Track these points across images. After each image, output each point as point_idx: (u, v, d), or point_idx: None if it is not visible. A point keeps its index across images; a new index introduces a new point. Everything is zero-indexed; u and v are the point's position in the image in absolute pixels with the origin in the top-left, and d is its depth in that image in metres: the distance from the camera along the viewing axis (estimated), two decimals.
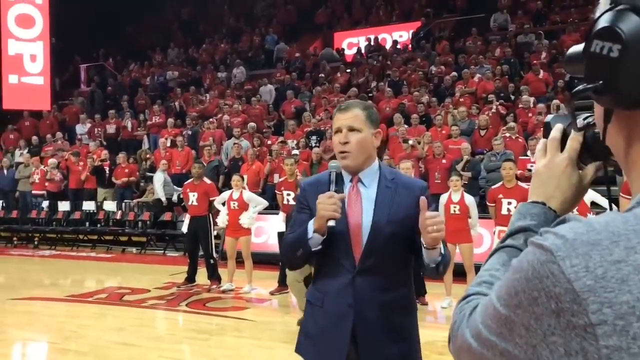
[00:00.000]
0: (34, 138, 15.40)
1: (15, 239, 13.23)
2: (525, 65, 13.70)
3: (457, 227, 6.36)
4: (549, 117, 0.97)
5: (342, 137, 2.07)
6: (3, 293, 7.75)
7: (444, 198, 6.65)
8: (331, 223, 1.96)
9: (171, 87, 17.59)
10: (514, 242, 0.91)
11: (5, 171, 14.01)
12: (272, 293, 7.36)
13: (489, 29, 16.03)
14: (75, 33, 20.48)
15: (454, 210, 6.50)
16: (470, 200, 6.56)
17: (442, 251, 1.97)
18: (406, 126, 11.41)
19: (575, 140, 0.90)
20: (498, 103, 11.72)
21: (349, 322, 2.03)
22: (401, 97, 13.17)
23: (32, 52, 16.61)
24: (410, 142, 10.50)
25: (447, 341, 0.86)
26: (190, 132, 13.85)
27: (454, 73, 13.67)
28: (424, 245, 1.94)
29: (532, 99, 11.41)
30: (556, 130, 0.93)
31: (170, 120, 14.26)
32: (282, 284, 7.15)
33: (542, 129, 1.01)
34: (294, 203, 7.41)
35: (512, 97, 12.33)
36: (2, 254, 11.91)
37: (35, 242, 12.79)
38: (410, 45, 17.02)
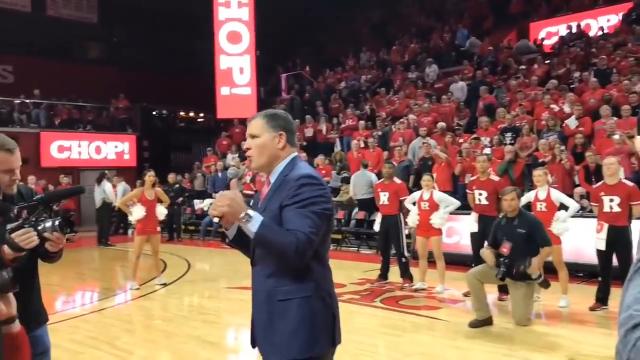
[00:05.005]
0: (244, 143, 16.94)
1: None
2: None
3: None
4: None
5: (245, 144, 2.39)
6: (219, 282, 8.74)
7: None
8: (215, 220, 2.23)
9: (363, 90, 18.13)
10: None
11: (219, 174, 15.67)
12: (465, 294, 7.21)
13: None
14: (275, 45, 22.19)
15: None
16: None
17: (254, 229, 2.07)
18: (615, 118, 10.36)
19: None
20: None
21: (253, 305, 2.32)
22: (609, 87, 12.00)
23: (240, 65, 18.39)
24: (616, 136, 9.49)
25: None
26: (380, 133, 14.14)
27: None
28: None
29: None
30: None
31: (362, 122, 14.70)
32: None
33: None
34: (487, 203, 7.22)
35: None
36: (219, 247, 13.36)
37: None
38: (619, 30, 15.42)
